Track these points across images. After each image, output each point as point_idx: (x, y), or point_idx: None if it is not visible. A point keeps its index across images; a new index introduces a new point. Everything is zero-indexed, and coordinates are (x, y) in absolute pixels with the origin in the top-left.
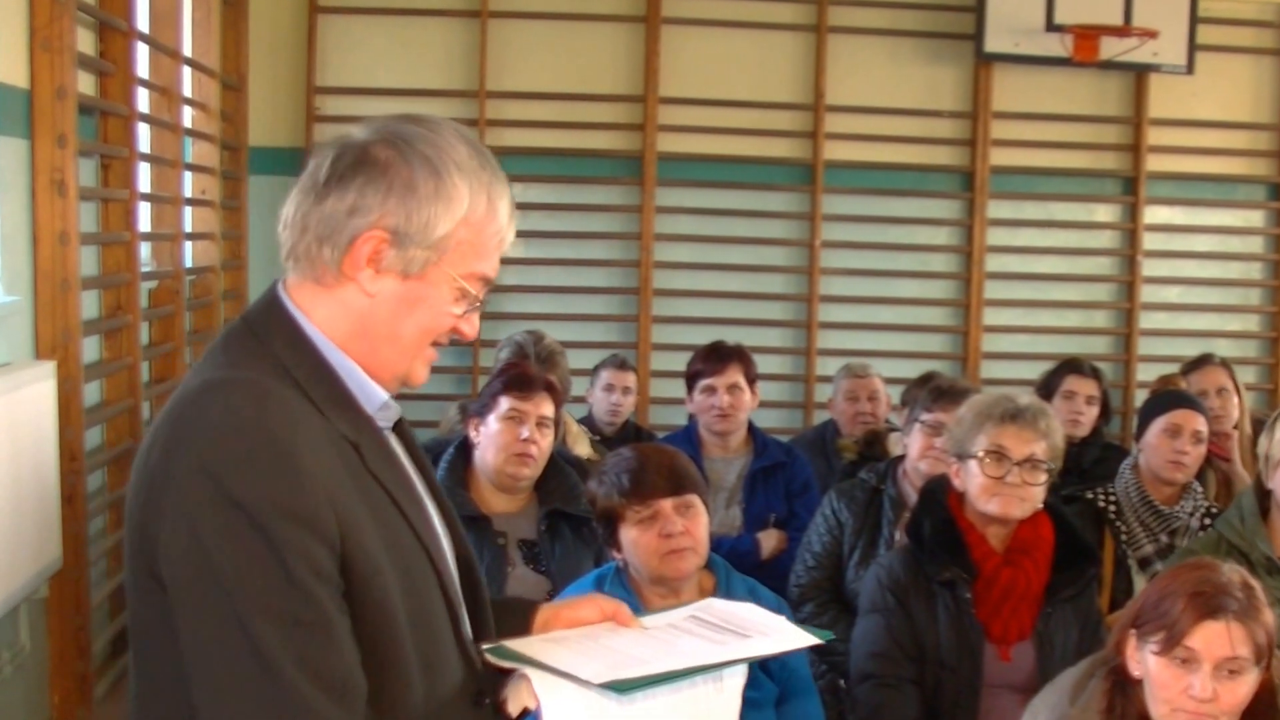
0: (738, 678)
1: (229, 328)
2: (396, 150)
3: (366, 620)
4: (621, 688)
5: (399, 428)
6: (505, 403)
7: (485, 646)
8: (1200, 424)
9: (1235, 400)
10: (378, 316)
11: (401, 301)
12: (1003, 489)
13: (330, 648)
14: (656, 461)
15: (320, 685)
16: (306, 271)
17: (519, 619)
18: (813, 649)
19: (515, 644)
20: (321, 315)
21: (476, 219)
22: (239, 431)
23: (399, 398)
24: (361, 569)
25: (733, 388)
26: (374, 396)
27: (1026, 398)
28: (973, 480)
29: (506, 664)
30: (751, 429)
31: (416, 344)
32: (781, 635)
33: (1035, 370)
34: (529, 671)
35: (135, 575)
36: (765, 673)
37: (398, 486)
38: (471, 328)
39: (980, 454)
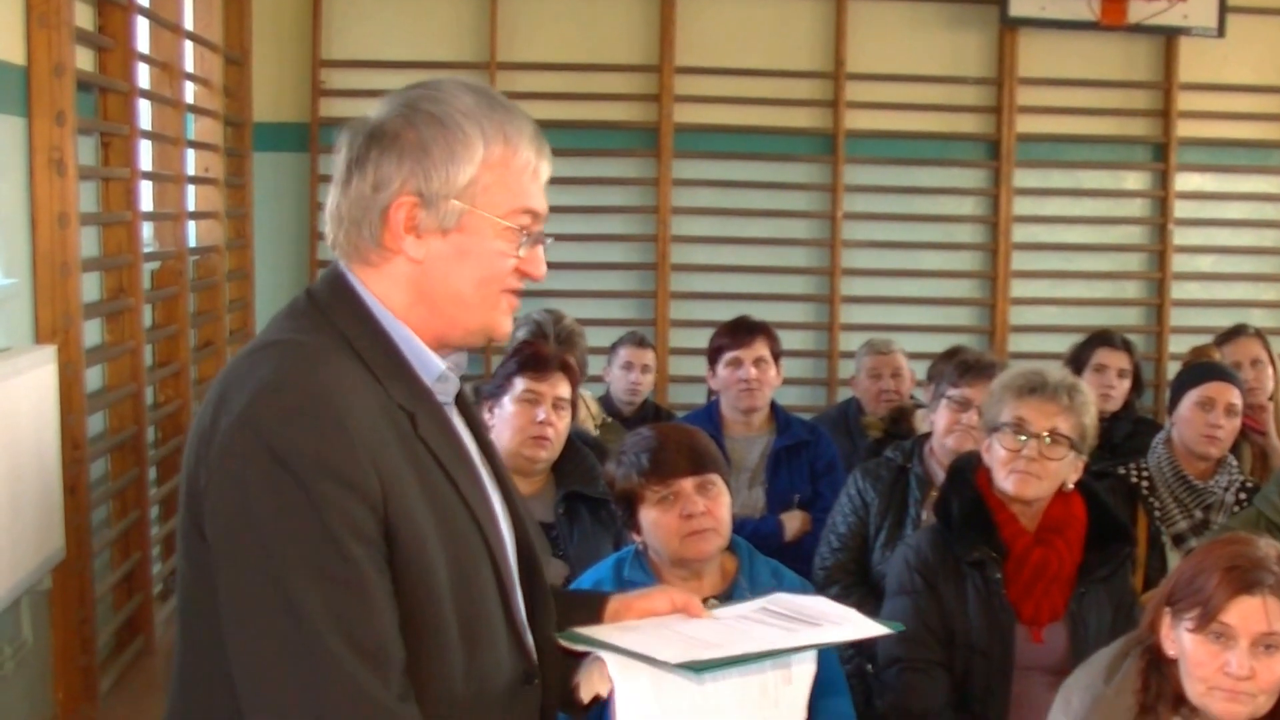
0: (807, 665)
1: (293, 300)
2: (403, 117)
3: (407, 586)
4: (698, 668)
5: (462, 404)
6: (520, 384)
7: (558, 634)
8: (1234, 396)
9: (1270, 371)
10: (432, 279)
11: (450, 258)
12: (1019, 464)
13: (366, 609)
14: (676, 440)
15: (352, 645)
16: (354, 256)
17: (590, 610)
18: None
19: (588, 631)
20: (379, 290)
21: (496, 158)
22: (285, 388)
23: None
24: (405, 534)
25: (759, 361)
26: (431, 367)
27: (1059, 372)
28: (995, 455)
29: (579, 648)
30: (774, 407)
31: (481, 295)
32: (852, 625)
33: (1064, 343)
34: (604, 654)
35: (184, 532)
36: None
37: (452, 458)
38: (537, 267)
39: (1002, 427)
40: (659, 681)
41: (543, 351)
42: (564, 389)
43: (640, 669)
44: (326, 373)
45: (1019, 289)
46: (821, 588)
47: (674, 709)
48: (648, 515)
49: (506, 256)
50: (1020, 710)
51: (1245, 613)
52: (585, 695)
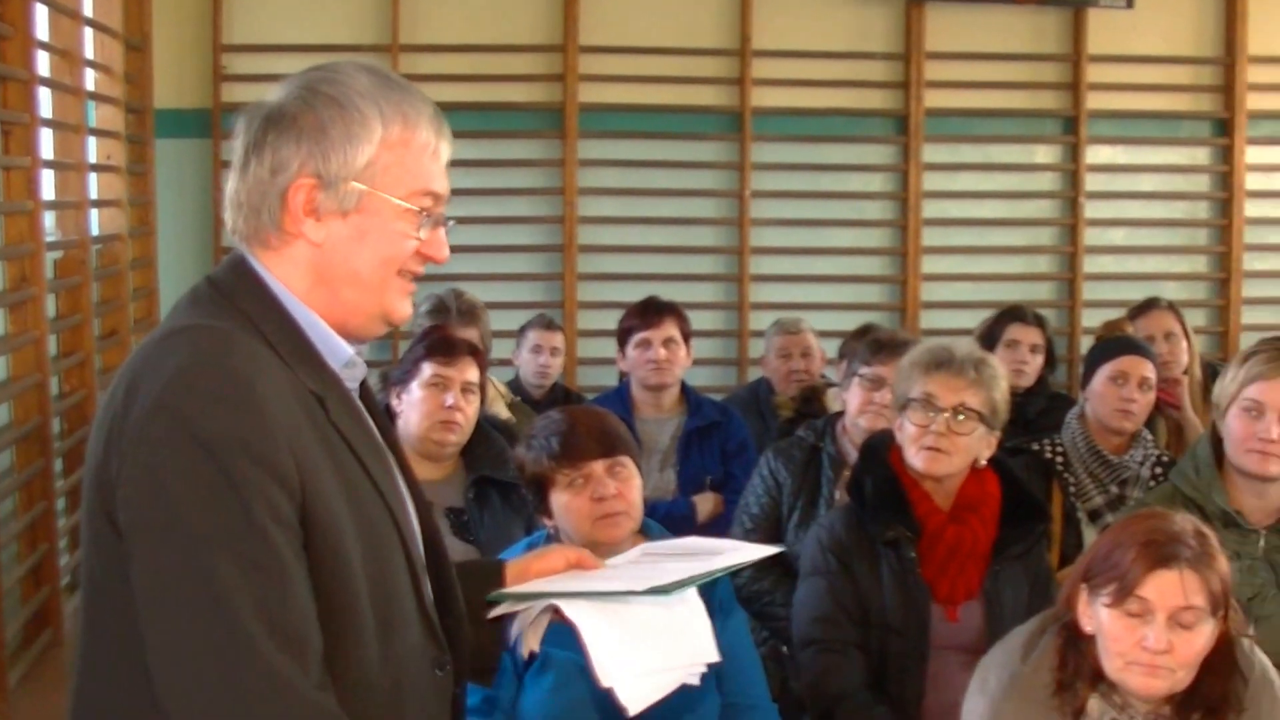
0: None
1: (194, 287)
2: (300, 100)
3: (323, 572)
4: (666, 590)
5: (364, 392)
6: (428, 369)
7: (488, 598)
8: (1148, 370)
9: (1184, 345)
10: (332, 261)
11: (350, 240)
12: (928, 439)
13: (285, 596)
14: (586, 423)
15: (272, 632)
16: (254, 241)
17: (490, 579)
18: (753, 615)
19: (515, 590)
20: (280, 274)
21: (395, 139)
22: (201, 372)
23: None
24: (321, 520)
25: (668, 341)
26: (339, 352)
27: (967, 347)
28: (905, 432)
29: (516, 607)
30: (685, 388)
31: (379, 278)
32: (737, 550)
33: (977, 319)
34: (559, 601)
35: (92, 525)
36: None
37: (363, 445)
38: (439, 249)
39: (911, 403)
40: (607, 614)
41: (450, 336)
42: (472, 373)
43: (584, 606)
44: (240, 356)
45: (930, 265)
46: (736, 570)
47: (631, 635)
48: (558, 499)
49: (407, 238)
50: (936, 689)
51: (1162, 587)
52: (529, 645)
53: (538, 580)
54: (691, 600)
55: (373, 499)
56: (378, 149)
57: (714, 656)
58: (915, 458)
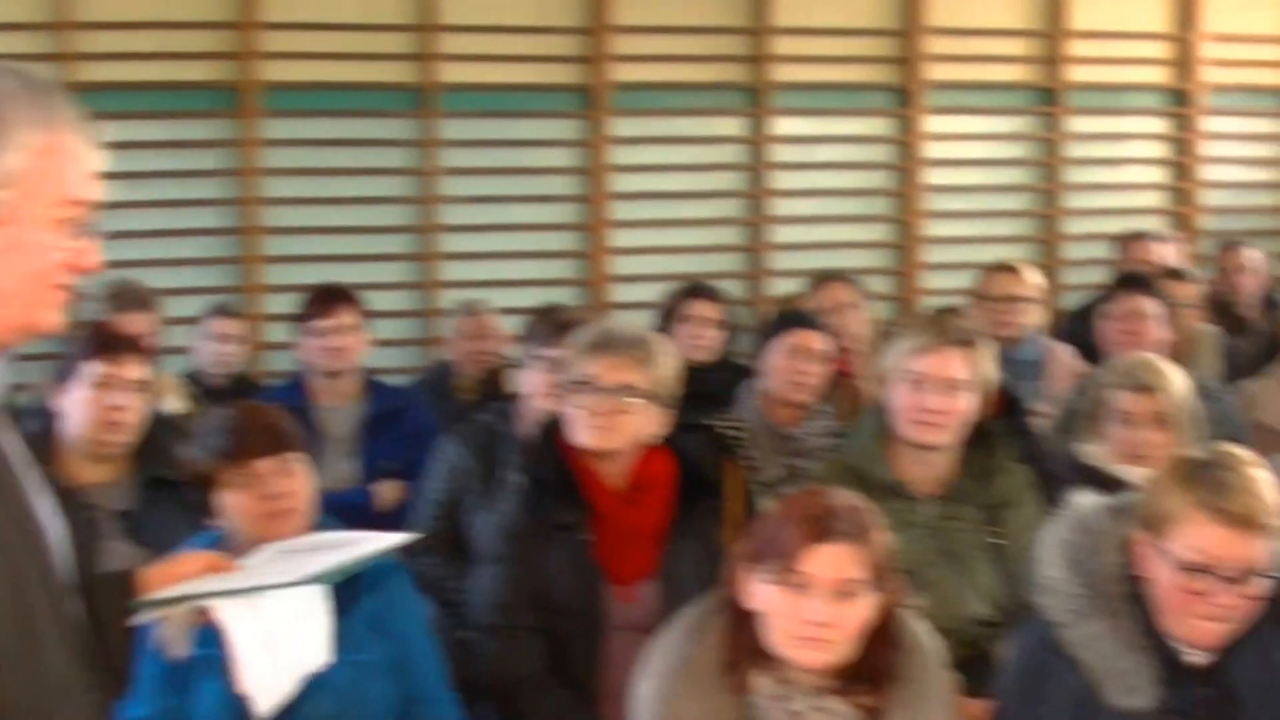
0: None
1: None
2: None
3: None
4: (322, 580)
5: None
6: (92, 367)
7: (132, 604)
8: (821, 342)
9: (861, 315)
10: None
11: None
12: (592, 419)
13: None
14: (253, 419)
15: None
16: None
17: (119, 590)
18: (435, 601)
19: (158, 595)
20: None
21: (42, 146)
22: None
23: None
24: None
25: (343, 328)
26: None
27: (630, 327)
28: (571, 413)
29: (158, 614)
30: (365, 375)
31: (27, 291)
32: (372, 539)
33: (665, 292)
34: (210, 602)
35: None
36: (381, 634)
37: None
38: (88, 258)
39: (575, 384)
40: (253, 613)
41: (115, 332)
42: (138, 370)
43: (232, 606)
44: None
45: (620, 239)
46: (417, 557)
47: (269, 634)
48: (227, 499)
49: (56, 249)
50: (614, 669)
51: (821, 560)
52: (176, 654)
53: (180, 584)
54: (314, 599)
55: (6, 520)
56: (23, 156)
57: (327, 658)
58: (581, 436)
